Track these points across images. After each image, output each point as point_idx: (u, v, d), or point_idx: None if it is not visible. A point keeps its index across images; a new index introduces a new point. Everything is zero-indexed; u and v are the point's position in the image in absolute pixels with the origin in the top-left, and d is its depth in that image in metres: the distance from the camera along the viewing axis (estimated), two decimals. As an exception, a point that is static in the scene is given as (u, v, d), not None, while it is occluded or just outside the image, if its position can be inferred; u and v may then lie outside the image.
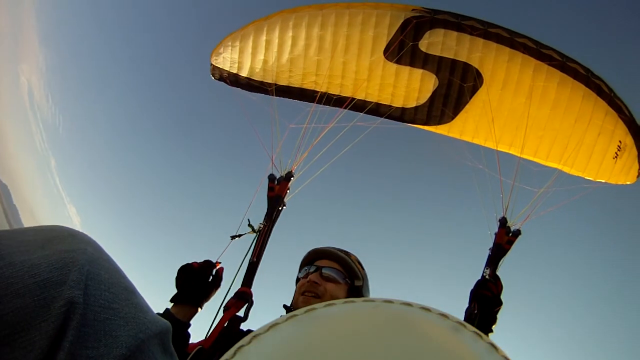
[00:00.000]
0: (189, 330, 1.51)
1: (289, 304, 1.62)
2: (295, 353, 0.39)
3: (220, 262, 1.71)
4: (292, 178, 1.99)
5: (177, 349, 1.45)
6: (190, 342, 1.48)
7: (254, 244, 1.75)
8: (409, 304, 0.46)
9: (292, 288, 1.66)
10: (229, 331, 1.43)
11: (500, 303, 1.61)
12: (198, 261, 1.66)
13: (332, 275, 1.62)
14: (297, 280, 1.75)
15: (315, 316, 0.45)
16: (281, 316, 0.45)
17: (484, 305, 1.60)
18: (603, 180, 2.87)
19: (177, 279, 1.59)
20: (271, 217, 1.82)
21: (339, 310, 0.45)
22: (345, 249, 1.75)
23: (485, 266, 1.73)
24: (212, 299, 1.62)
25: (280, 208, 1.86)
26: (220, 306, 1.54)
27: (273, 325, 0.44)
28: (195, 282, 1.58)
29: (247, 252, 1.74)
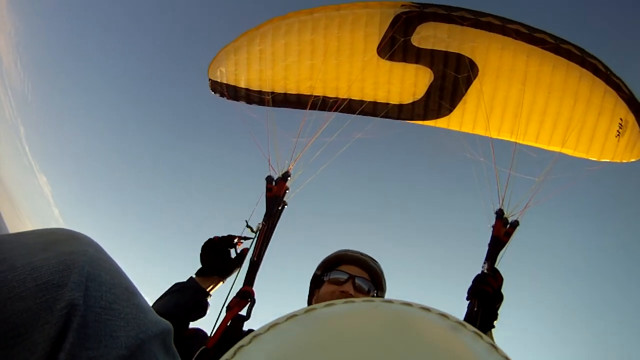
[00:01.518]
0: (209, 300, 1.59)
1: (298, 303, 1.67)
2: (295, 353, 0.39)
3: (242, 242, 1.77)
4: (289, 178, 2.04)
5: (195, 315, 1.53)
6: (198, 328, 1.54)
7: (254, 243, 1.78)
8: (408, 304, 0.46)
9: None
10: (232, 330, 1.45)
11: (502, 298, 1.60)
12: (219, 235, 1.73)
13: (363, 287, 1.63)
14: (316, 278, 1.75)
15: (315, 316, 0.44)
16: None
17: (485, 301, 1.59)
18: (607, 160, 2.85)
19: (200, 254, 1.66)
20: (270, 217, 1.86)
21: (339, 310, 0.45)
22: (370, 255, 1.76)
23: (485, 261, 1.74)
24: (224, 287, 1.67)
25: (280, 208, 1.90)
26: (223, 306, 1.57)
27: (273, 325, 0.44)
28: (215, 253, 1.64)
29: (249, 251, 1.77)
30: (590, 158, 2.85)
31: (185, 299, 1.53)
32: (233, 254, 1.76)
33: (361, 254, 1.77)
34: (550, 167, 2.38)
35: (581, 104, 2.75)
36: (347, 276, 1.64)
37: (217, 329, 1.43)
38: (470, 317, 1.60)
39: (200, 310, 1.56)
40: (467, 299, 1.67)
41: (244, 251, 1.78)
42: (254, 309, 1.56)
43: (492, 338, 1.60)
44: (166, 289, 1.60)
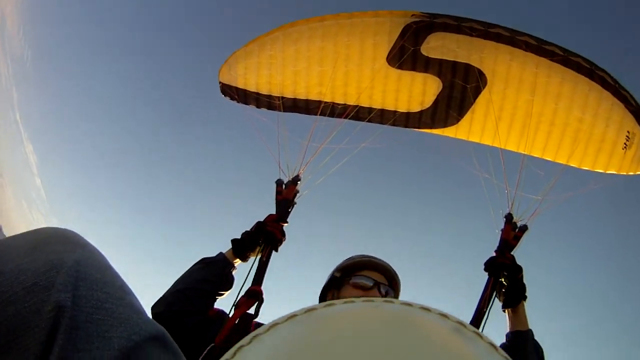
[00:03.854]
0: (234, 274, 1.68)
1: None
2: (295, 353, 0.39)
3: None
4: (298, 182, 2.07)
5: (222, 288, 1.59)
6: (222, 310, 1.58)
7: (263, 244, 1.79)
8: (409, 304, 0.46)
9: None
10: (240, 328, 1.46)
11: (521, 268, 1.62)
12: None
13: (389, 294, 1.67)
14: (335, 280, 1.74)
15: (315, 316, 0.44)
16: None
17: (507, 273, 1.61)
18: (613, 172, 2.86)
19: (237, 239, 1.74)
20: (279, 219, 1.89)
21: (339, 311, 0.45)
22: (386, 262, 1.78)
23: (487, 282, 1.76)
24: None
25: (289, 210, 1.92)
26: (233, 305, 1.58)
27: (273, 326, 0.44)
28: (249, 241, 1.73)
29: (258, 252, 1.80)
30: (596, 170, 2.87)
31: (213, 273, 1.57)
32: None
33: (380, 260, 1.77)
34: (555, 181, 2.40)
35: (589, 116, 2.77)
36: (373, 282, 1.64)
37: (225, 326, 1.44)
38: (490, 292, 1.62)
39: (227, 283, 1.60)
40: (485, 269, 1.70)
41: (276, 232, 1.82)
42: (262, 308, 1.58)
43: (524, 309, 1.61)
44: (192, 264, 1.65)
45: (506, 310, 1.65)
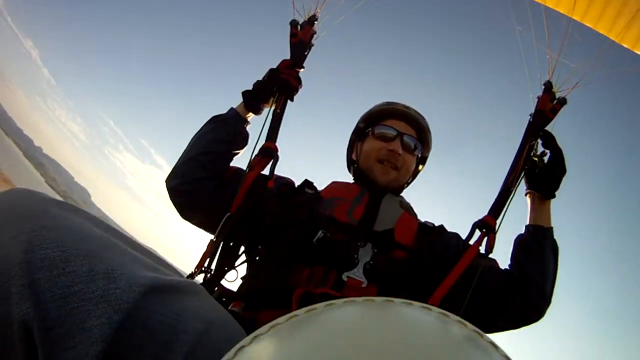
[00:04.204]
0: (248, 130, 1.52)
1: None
2: (296, 353, 0.39)
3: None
4: (315, 22, 1.70)
5: (238, 146, 1.48)
6: (238, 168, 1.47)
7: (277, 93, 1.57)
8: (409, 304, 0.47)
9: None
10: (255, 191, 1.37)
11: (561, 151, 1.45)
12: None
13: (411, 145, 1.53)
14: (359, 131, 1.63)
15: (316, 316, 0.45)
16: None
17: (549, 144, 1.44)
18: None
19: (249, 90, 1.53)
20: (295, 64, 1.62)
21: (340, 310, 0.45)
22: (416, 110, 1.61)
23: (525, 136, 1.53)
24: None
25: (306, 53, 1.66)
26: (247, 167, 1.44)
27: (273, 326, 0.44)
28: (262, 91, 1.53)
29: (272, 103, 1.57)
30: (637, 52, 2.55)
31: (225, 131, 1.43)
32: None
33: (408, 107, 1.60)
34: (602, 53, 2.06)
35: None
36: (395, 132, 1.50)
37: (239, 191, 1.34)
38: (521, 162, 1.45)
39: (242, 140, 1.48)
40: (526, 138, 1.49)
41: (291, 81, 1.57)
42: (277, 167, 1.46)
43: (550, 209, 1.46)
44: (204, 122, 1.48)
45: (532, 195, 1.49)
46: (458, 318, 0.46)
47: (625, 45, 2.54)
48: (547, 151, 1.48)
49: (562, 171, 1.44)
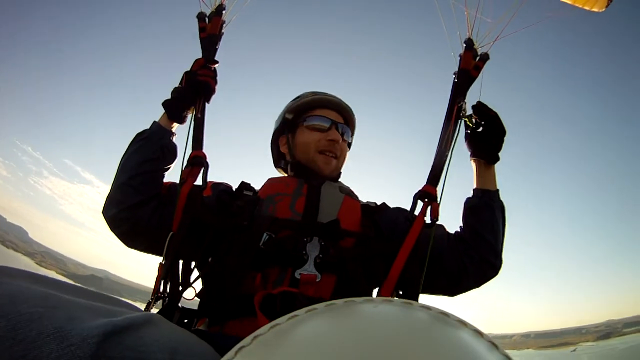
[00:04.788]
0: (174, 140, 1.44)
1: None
2: (296, 353, 0.39)
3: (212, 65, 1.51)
4: (223, 11, 1.60)
5: (166, 163, 1.40)
6: (171, 182, 1.41)
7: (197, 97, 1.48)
8: (409, 303, 0.48)
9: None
10: (192, 204, 1.30)
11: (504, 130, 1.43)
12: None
13: (345, 133, 1.55)
14: (288, 122, 1.58)
15: (316, 316, 0.46)
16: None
17: (492, 123, 1.42)
18: (570, 3, 2.64)
19: (168, 100, 1.44)
20: (207, 60, 1.53)
21: (339, 310, 0.47)
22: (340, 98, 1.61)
23: (452, 97, 1.50)
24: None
25: (217, 46, 1.57)
26: (180, 181, 1.37)
27: (274, 326, 0.45)
28: (182, 99, 1.45)
29: (192, 109, 1.48)
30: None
31: (153, 148, 1.35)
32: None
33: (335, 97, 1.60)
34: (522, 4, 2.06)
35: None
36: (330, 122, 1.51)
37: (177, 208, 1.29)
38: (454, 124, 1.44)
39: (170, 155, 1.40)
40: (472, 118, 1.46)
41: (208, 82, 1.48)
42: (209, 174, 1.40)
43: (495, 172, 1.47)
44: (128, 143, 1.40)
45: (476, 161, 1.49)
46: (421, 304, 0.48)
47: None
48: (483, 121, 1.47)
49: (502, 132, 1.45)
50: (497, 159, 1.45)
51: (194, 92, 1.46)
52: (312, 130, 1.50)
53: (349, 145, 1.64)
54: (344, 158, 1.57)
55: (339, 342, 0.40)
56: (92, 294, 0.72)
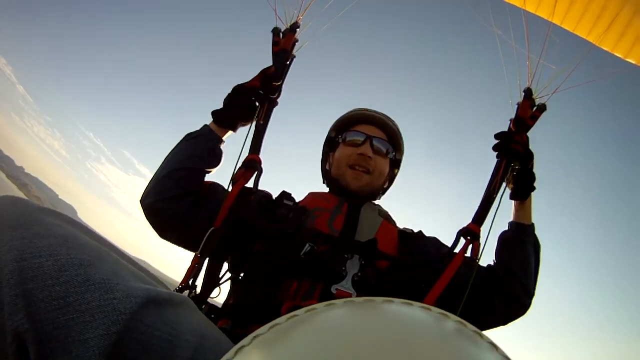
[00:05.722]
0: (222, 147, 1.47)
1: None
2: (296, 353, 0.39)
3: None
4: (297, 29, 1.69)
5: (210, 164, 1.44)
6: (214, 182, 1.44)
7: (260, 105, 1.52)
8: (409, 303, 0.48)
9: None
10: (240, 205, 1.32)
11: (532, 155, 1.45)
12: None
13: (381, 148, 1.53)
14: (330, 140, 1.62)
15: (316, 316, 0.45)
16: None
17: (520, 159, 1.44)
18: (632, 61, 2.64)
19: (226, 99, 1.48)
20: (277, 74, 1.56)
21: (339, 311, 0.46)
22: (386, 114, 1.62)
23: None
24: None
25: (288, 62, 1.61)
26: (231, 180, 1.41)
27: (273, 326, 0.44)
28: (242, 97, 1.48)
29: (255, 114, 1.52)
30: (615, 53, 2.61)
31: (200, 147, 1.40)
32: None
33: (377, 112, 1.60)
34: (584, 57, 2.09)
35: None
36: (364, 137, 1.51)
37: (224, 205, 1.31)
38: (499, 177, 1.45)
39: (214, 159, 1.43)
40: (497, 157, 1.49)
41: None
42: (261, 179, 1.43)
43: (531, 202, 1.46)
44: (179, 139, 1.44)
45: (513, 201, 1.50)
46: (440, 310, 0.48)
47: (605, 48, 2.62)
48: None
49: (532, 178, 1.46)
50: (528, 194, 1.45)
51: (250, 101, 1.48)
52: (348, 145, 1.52)
53: (397, 163, 1.63)
54: (381, 174, 1.53)
55: (338, 342, 0.39)
56: (135, 263, 0.73)
